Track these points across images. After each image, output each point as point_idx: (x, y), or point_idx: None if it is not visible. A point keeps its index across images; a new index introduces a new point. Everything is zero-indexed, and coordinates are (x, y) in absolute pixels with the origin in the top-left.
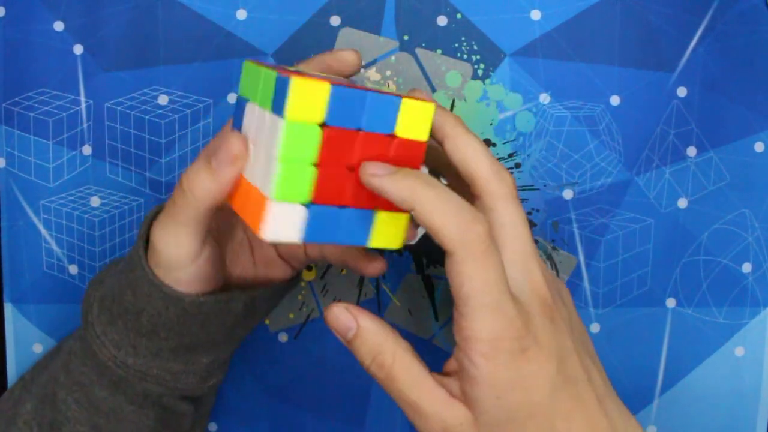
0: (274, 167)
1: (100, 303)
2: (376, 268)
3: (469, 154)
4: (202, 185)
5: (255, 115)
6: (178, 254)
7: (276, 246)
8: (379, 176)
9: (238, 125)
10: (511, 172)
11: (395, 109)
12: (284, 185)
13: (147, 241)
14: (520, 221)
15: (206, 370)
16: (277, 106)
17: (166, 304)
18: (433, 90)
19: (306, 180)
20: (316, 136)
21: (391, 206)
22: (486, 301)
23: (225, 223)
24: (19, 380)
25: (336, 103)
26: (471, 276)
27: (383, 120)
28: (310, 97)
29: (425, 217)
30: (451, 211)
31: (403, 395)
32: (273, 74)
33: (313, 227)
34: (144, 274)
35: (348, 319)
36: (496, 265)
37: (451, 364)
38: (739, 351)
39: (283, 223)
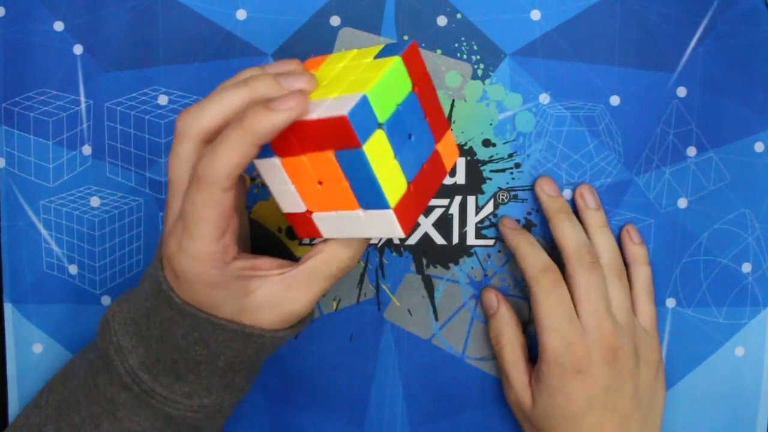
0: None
1: (146, 370)
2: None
3: (560, 235)
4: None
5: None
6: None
7: None
8: (509, 230)
9: None
10: (511, 173)
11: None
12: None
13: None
14: (593, 285)
15: (257, 371)
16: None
17: (246, 344)
18: None
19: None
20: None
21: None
22: (549, 326)
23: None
24: (34, 407)
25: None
26: (543, 305)
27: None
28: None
29: (520, 264)
30: (531, 253)
31: (504, 367)
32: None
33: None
34: (218, 325)
35: (493, 301)
36: (561, 299)
37: (537, 364)
38: (739, 351)
39: None
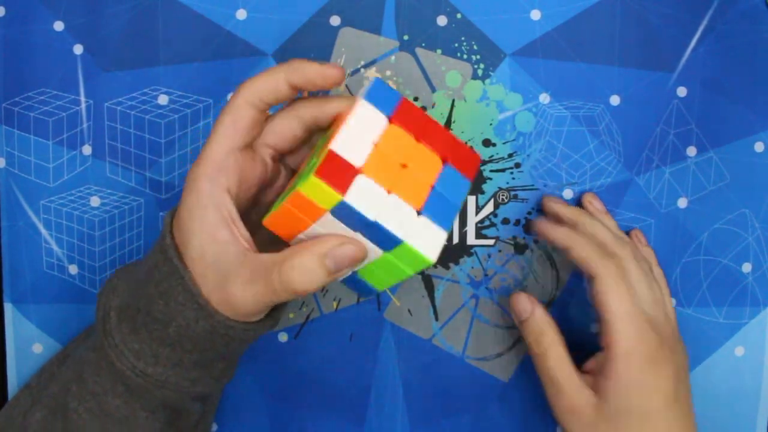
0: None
1: (118, 312)
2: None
3: (594, 231)
4: (315, 282)
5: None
6: (257, 311)
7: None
8: (549, 224)
9: None
10: (512, 172)
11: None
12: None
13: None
14: (644, 274)
15: (221, 372)
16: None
17: (197, 317)
18: (433, 90)
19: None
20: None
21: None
22: (623, 312)
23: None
24: (24, 388)
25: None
26: (614, 291)
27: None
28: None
29: (577, 252)
30: (594, 249)
31: (550, 372)
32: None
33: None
34: (182, 283)
35: (527, 303)
36: (628, 287)
37: (589, 364)
38: (739, 351)
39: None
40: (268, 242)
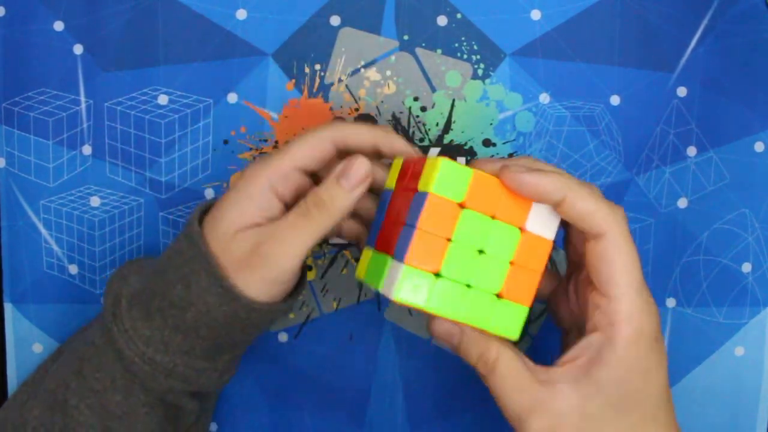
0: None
1: (130, 299)
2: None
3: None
4: (339, 201)
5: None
6: (295, 267)
7: None
8: (526, 173)
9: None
10: None
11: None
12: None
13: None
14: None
15: (225, 367)
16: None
17: (220, 302)
18: (433, 90)
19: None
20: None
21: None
22: (636, 286)
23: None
24: (22, 386)
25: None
26: (625, 253)
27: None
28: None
29: (577, 203)
30: (600, 197)
31: (499, 386)
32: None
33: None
34: (206, 266)
35: (451, 325)
36: (635, 249)
37: (570, 354)
38: (739, 351)
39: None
40: None
